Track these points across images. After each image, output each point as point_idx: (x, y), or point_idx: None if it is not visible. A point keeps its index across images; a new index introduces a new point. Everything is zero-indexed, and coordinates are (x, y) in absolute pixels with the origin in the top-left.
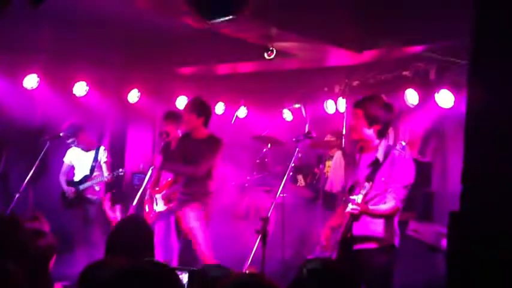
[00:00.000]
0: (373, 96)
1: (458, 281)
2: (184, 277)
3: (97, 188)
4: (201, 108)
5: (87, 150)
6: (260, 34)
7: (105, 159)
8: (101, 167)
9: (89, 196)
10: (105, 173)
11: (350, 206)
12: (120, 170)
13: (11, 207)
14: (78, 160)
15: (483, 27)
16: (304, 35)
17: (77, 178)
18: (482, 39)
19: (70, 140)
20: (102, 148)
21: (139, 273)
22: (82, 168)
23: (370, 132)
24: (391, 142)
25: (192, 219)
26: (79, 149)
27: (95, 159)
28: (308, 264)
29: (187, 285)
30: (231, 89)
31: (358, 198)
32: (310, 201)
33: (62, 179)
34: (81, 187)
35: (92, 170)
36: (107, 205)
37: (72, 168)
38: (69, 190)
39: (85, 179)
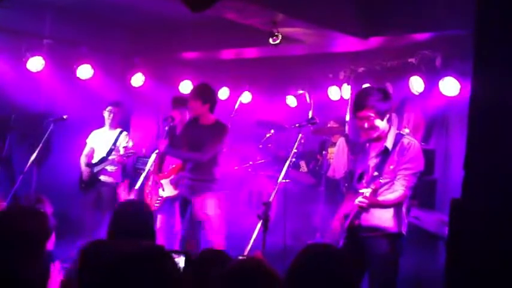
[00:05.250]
0: (369, 90)
1: (457, 268)
2: (180, 260)
3: (109, 169)
4: (206, 95)
5: (114, 128)
6: (265, 20)
7: (125, 144)
8: (119, 151)
9: (102, 178)
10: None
11: (359, 199)
12: (130, 150)
13: (14, 189)
14: (99, 143)
15: (485, 15)
16: (310, 20)
17: (94, 160)
18: (486, 28)
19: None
20: (124, 133)
21: (134, 256)
22: (101, 151)
23: (383, 124)
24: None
25: (212, 207)
26: (102, 131)
27: (115, 142)
28: (307, 248)
29: (183, 269)
30: (235, 74)
31: (367, 192)
32: (312, 187)
33: (83, 160)
34: (95, 169)
35: (109, 153)
36: (123, 189)
37: (93, 151)
38: (85, 171)
39: (101, 161)
